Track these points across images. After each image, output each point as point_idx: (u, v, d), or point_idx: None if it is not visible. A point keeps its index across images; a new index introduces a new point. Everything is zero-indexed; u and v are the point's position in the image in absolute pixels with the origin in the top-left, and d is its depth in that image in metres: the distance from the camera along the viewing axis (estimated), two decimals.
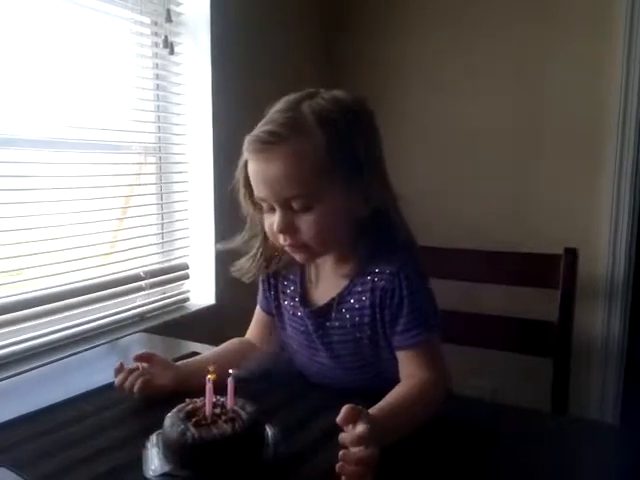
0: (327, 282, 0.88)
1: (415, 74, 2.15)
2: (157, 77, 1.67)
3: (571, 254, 1.15)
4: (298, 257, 0.85)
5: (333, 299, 0.86)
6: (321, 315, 0.87)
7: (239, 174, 0.84)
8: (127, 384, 0.82)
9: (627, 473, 0.72)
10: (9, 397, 0.93)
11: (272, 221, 0.80)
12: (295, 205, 0.78)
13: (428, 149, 2.15)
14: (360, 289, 0.84)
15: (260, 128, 0.78)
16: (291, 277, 0.92)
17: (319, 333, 0.87)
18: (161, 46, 1.62)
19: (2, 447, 0.70)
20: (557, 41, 1.91)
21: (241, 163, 0.83)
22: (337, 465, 0.58)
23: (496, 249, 1.25)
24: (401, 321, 0.80)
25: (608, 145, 1.86)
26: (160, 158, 1.70)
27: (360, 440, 0.59)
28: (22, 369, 1.20)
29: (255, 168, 0.79)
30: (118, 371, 0.84)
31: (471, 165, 2.08)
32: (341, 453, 0.59)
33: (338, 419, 0.61)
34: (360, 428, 0.60)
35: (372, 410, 0.68)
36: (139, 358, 0.86)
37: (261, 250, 0.89)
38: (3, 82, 1.25)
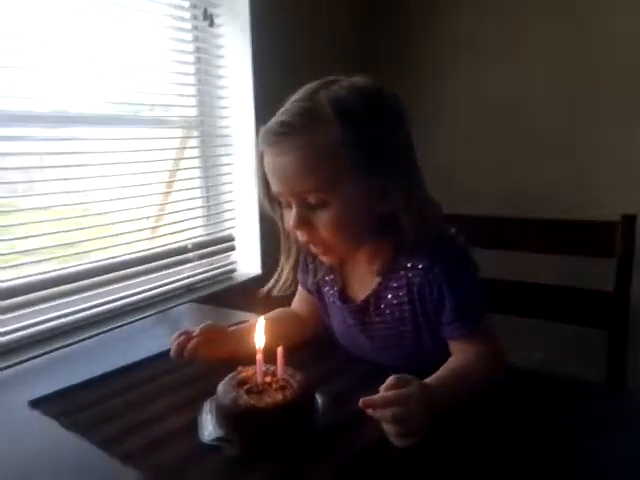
0: (361, 279, 0.86)
1: (458, 40, 2.08)
2: (197, 50, 1.66)
3: (629, 221, 1.10)
4: (323, 259, 0.83)
5: (370, 295, 0.84)
6: (360, 312, 0.85)
7: (257, 167, 0.81)
8: (185, 353, 0.82)
9: None
10: (70, 364, 0.97)
11: (290, 217, 0.78)
12: (311, 200, 0.74)
13: (482, 116, 2.08)
14: (396, 285, 0.81)
15: (274, 119, 0.75)
16: (328, 267, 0.89)
17: (360, 328, 0.86)
18: (200, 19, 1.61)
19: (66, 411, 0.74)
20: None
21: (257, 156, 0.80)
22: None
23: (554, 217, 1.20)
24: (445, 313, 0.78)
25: None
26: (203, 131, 1.71)
27: (390, 400, 0.60)
28: (76, 339, 1.25)
29: (269, 161, 0.76)
30: (175, 338, 0.84)
31: (527, 131, 2.01)
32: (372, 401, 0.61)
33: (382, 388, 0.62)
34: (398, 391, 0.61)
35: (427, 380, 0.68)
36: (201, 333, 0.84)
37: (294, 257, 0.88)
38: (50, 61, 1.27)
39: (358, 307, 0.85)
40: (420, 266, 0.78)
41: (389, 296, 0.82)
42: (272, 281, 0.90)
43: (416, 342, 0.83)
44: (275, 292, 0.89)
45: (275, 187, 0.77)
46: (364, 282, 0.85)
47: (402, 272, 0.80)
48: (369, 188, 0.75)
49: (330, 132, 0.71)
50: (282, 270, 0.89)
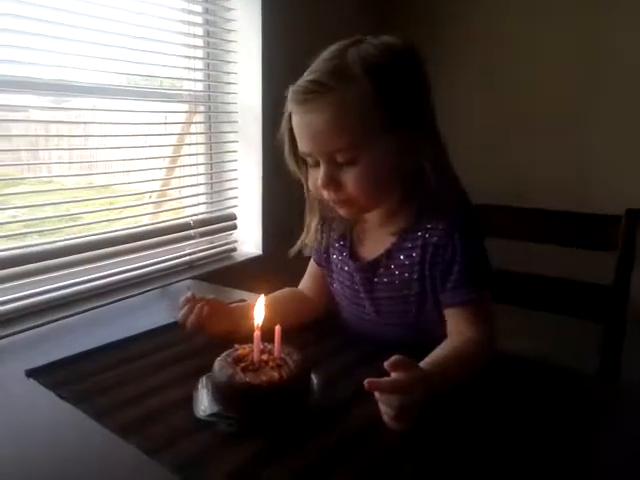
0: (375, 238, 0.87)
1: (474, 17, 2.05)
2: (207, 23, 1.64)
3: (633, 215, 1.09)
4: (343, 212, 0.83)
5: (382, 255, 0.84)
6: (368, 270, 0.86)
7: (283, 127, 0.81)
8: (189, 321, 0.82)
9: None
10: (68, 335, 0.97)
11: (317, 177, 0.78)
12: (340, 158, 0.75)
13: (485, 104, 2.06)
14: (410, 245, 0.82)
15: (304, 78, 0.75)
16: (340, 232, 0.91)
17: (366, 288, 0.87)
18: None
19: (62, 381, 0.74)
20: None
21: (285, 116, 0.80)
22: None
23: (557, 208, 1.19)
24: (452, 278, 0.78)
25: None
26: (210, 107, 1.69)
27: (397, 386, 0.60)
28: (75, 311, 1.25)
29: (298, 120, 0.76)
30: (182, 306, 0.84)
31: (532, 120, 1.99)
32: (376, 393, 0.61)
33: (386, 363, 0.61)
34: (399, 376, 0.60)
35: (423, 364, 0.68)
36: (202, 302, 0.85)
37: (319, 215, 0.89)
38: (57, 31, 1.25)
39: (368, 265, 0.86)
40: (441, 227, 0.79)
41: (401, 257, 0.83)
42: (300, 240, 0.92)
43: (418, 308, 0.83)
44: (304, 250, 0.93)
45: (304, 146, 0.77)
46: (377, 242, 0.86)
47: (420, 233, 0.81)
48: (397, 143, 0.75)
49: (360, 89, 0.72)
50: (309, 229, 0.91)
